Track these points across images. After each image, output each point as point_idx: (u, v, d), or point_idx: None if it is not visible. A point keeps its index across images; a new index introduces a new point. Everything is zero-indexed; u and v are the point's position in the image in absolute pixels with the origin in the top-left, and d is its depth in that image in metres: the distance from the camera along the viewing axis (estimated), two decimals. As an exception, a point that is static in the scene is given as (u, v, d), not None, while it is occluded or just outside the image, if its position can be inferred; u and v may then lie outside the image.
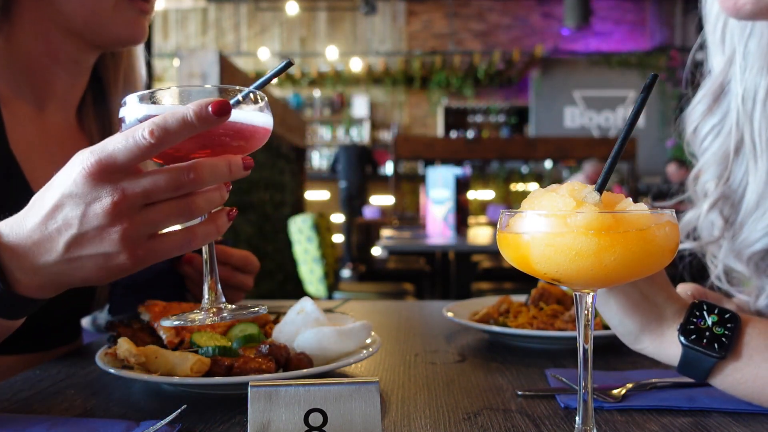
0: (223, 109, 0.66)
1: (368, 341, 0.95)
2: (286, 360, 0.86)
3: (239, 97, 0.71)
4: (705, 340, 0.77)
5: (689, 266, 1.13)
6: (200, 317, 0.74)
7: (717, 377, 0.77)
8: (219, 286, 0.77)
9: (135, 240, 0.67)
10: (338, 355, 0.90)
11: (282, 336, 0.94)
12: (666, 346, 0.79)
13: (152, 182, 0.66)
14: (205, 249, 0.76)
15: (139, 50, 1.23)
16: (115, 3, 1.04)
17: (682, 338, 0.77)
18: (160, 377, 0.81)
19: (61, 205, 0.66)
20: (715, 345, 0.76)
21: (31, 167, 1.04)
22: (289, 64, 0.72)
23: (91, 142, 1.14)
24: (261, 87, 0.74)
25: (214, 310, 0.76)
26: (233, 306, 0.78)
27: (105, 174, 0.65)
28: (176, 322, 0.74)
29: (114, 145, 0.65)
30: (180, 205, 0.69)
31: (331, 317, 1.04)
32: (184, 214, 0.69)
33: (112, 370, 0.84)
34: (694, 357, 0.77)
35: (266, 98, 0.76)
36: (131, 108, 0.71)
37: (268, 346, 0.86)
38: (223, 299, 0.78)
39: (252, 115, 0.73)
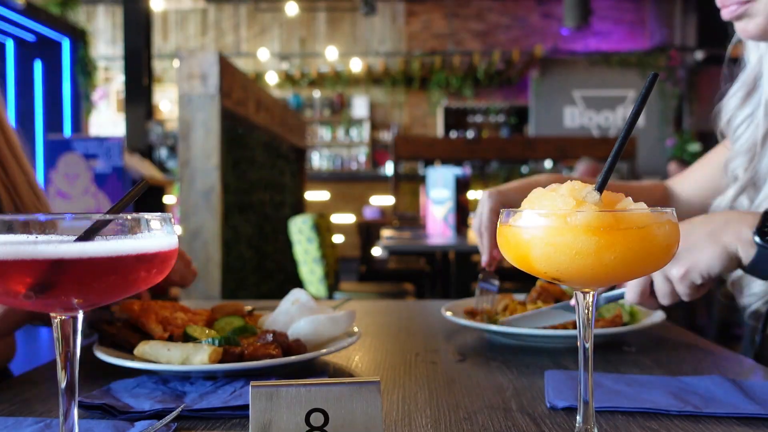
0: None
1: (355, 329, 1.03)
2: (287, 346, 0.91)
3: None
4: None
5: None
6: None
7: None
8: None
9: None
10: (329, 339, 0.98)
11: (276, 325, 0.99)
12: (741, 246, 0.92)
13: None
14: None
15: None
16: None
17: (757, 238, 0.89)
18: (185, 366, 0.84)
19: None
20: None
21: None
22: (146, 185, 0.64)
23: None
24: (120, 210, 0.60)
25: None
26: None
27: None
28: None
29: None
30: None
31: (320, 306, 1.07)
32: None
33: (129, 364, 0.86)
34: (766, 255, 0.89)
35: (150, 219, 0.59)
36: None
37: (272, 334, 0.91)
38: None
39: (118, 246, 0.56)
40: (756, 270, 0.92)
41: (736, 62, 1.21)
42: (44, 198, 1.25)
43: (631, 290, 1.04)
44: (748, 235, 0.92)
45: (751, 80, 1.17)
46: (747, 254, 0.92)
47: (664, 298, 1.02)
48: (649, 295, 1.03)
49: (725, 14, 1.05)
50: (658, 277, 0.99)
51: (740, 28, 1.05)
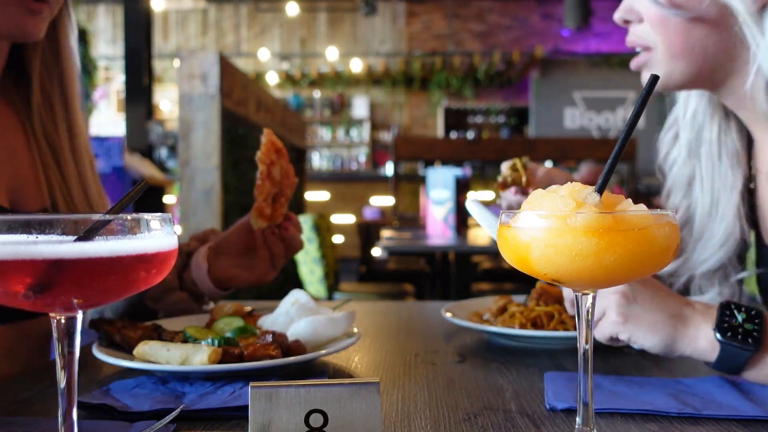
0: None
1: (355, 330, 1.03)
2: (286, 347, 0.91)
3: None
4: (739, 336, 0.84)
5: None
6: None
7: (750, 370, 0.85)
8: None
9: None
10: (328, 340, 0.98)
11: (276, 326, 1.00)
12: (702, 344, 0.87)
13: None
14: None
15: (67, 37, 1.18)
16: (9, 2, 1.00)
17: (718, 335, 0.84)
18: (185, 367, 0.84)
19: None
20: (749, 340, 0.83)
21: None
22: (146, 185, 0.65)
23: (16, 110, 1.12)
24: (120, 210, 0.60)
25: None
26: None
27: None
28: None
29: None
30: None
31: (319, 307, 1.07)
32: None
33: (129, 364, 0.87)
34: (731, 352, 0.84)
35: (149, 220, 0.59)
36: None
37: (271, 334, 0.91)
38: None
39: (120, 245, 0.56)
40: (722, 368, 0.86)
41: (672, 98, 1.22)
42: (100, 208, 1.20)
43: (568, 293, 1.02)
44: (708, 333, 0.86)
45: (677, 122, 1.19)
46: (705, 353, 0.87)
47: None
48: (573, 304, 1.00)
49: (632, 65, 1.07)
50: (602, 300, 0.92)
51: (643, 77, 1.03)
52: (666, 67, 1.01)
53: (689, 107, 1.15)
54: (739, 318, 0.85)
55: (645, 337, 0.88)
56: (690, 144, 1.15)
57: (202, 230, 1.28)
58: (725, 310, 0.86)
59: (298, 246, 1.21)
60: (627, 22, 1.06)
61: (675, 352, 0.88)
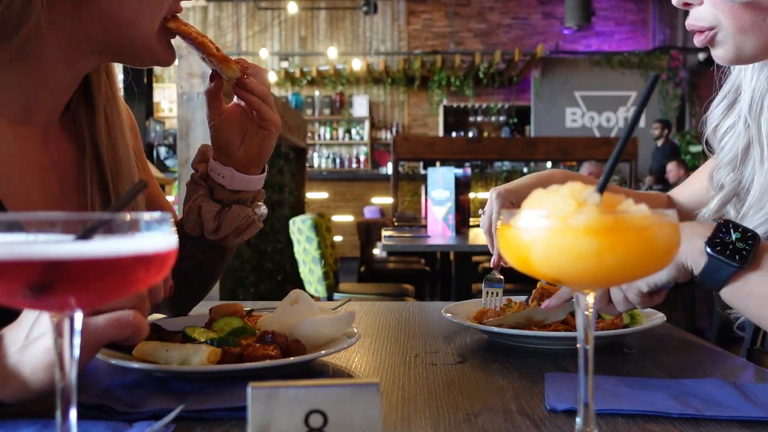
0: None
1: (354, 330, 1.02)
2: (286, 347, 0.90)
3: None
4: (728, 252, 0.87)
5: None
6: None
7: (730, 286, 0.87)
8: None
9: None
10: (328, 340, 0.97)
11: (275, 326, 0.98)
12: (695, 256, 0.90)
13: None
14: None
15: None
16: (159, 30, 1.02)
17: (708, 249, 0.87)
18: (184, 367, 0.83)
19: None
20: (736, 257, 0.86)
21: (5, 182, 0.98)
22: (145, 184, 0.63)
23: (77, 141, 1.08)
24: (119, 210, 0.59)
25: None
26: None
27: None
28: None
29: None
30: None
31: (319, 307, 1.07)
32: None
33: (128, 364, 0.86)
34: (716, 265, 0.87)
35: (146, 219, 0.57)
36: None
37: (271, 335, 0.91)
38: None
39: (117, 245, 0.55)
40: (705, 281, 0.89)
41: (724, 69, 1.21)
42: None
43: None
44: (700, 245, 0.88)
45: (734, 90, 1.18)
46: (697, 265, 0.90)
47: (619, 305, 1.00)
48: (608, 302, 1.02)
49: (696, 42, 1.06)
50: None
51: (714, 54, 1.07)
52: (735, 42, 1.01)
53: (747, 77, 1.14)
54: (734, 236, 0.88)
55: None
56: (750, 110, 1.13)
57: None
58: (722, 227, 0.89)
59: (266, 80, 1.15)
60: (687, 4, 1.05)
61: (686, 270, 0.91)
